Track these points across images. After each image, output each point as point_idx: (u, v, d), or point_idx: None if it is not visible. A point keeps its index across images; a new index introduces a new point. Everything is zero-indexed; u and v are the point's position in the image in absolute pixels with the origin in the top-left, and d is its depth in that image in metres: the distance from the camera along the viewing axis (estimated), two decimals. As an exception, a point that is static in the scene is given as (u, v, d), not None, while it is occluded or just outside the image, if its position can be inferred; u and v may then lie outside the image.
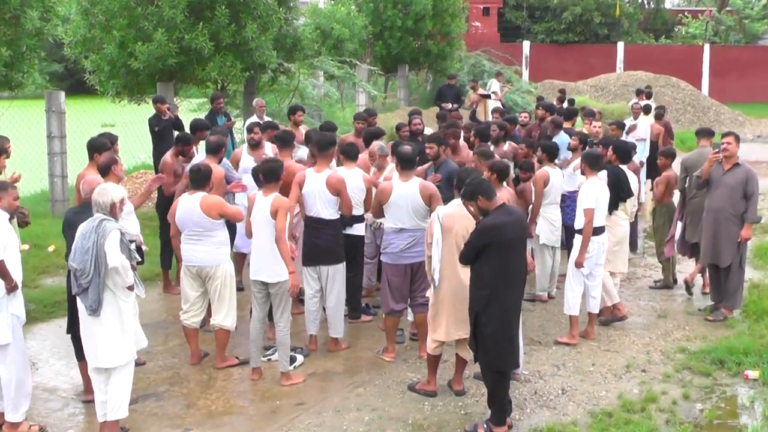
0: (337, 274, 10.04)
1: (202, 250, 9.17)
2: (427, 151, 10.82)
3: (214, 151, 10.70)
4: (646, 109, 20.04)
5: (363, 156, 11.33)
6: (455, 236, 8.32)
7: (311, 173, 10.03)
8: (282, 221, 8.79)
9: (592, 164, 10.44)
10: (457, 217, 8.35)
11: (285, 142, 11.07)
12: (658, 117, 20.36)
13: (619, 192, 11.10)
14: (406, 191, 9.39)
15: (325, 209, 9.90)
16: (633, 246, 14.54)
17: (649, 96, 24.62)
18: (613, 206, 10.92)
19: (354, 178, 10.25)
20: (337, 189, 9.86)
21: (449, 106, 23.34)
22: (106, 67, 16.62)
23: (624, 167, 11.48)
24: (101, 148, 9.92)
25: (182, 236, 9.33)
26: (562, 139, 14.02)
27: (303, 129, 13.86)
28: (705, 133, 12.78)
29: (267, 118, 15.61)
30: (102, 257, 7.32)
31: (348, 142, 11.43)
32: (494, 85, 26.95)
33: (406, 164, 9.49)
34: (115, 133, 11.18)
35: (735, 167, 11.18)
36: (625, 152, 11.69)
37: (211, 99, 16.34)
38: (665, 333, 10.88)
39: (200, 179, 9.22)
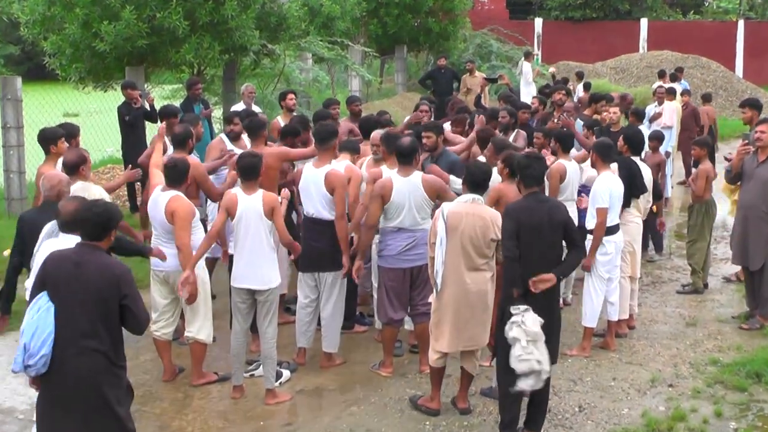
0: (336, 281, 10.01)
1: (171, 253, 9.14)
2: (424, 140, 10.81)
3: (180, 143, 10.43)
4: (671, 93, 20.07)
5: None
6: (461, 236, 8.33)
7: (309, 168, 10.00)
8: (281, 220, 8.87)
9: (604, 156, 10.42)
10: (464, 215, 8.36)
11: (253, 130, 10.94)
12: (707, 100, 20.57)
13: (632, 187, 11.10)
14: (407, 187, 9.38)
15: (325, 208, 9.85)
16: (658, 247, 14.59)
17: (674, 78, 24.62)
18: (624, 203, 10.92)
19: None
20: (332, 186, 9.76)
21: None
22: (68, 50, 16.61)
23: (636, 159, 11.47)
24: (56, 138, 9.92)
25: (152, 237, 9.35)
26: (578, 127, 14.04)
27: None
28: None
29: (255, 107, 15.61)
30: None
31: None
32: (525, 66, 26.82)
33: (404, 159, 9.48)
34: (80, 124, 11.18)
35: None
36: (638, 142, 11.69)
37: (188, 85, 16.31)
38: (695, 343, 10.91)
39: (176, 176, 9.18)
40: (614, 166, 10.85)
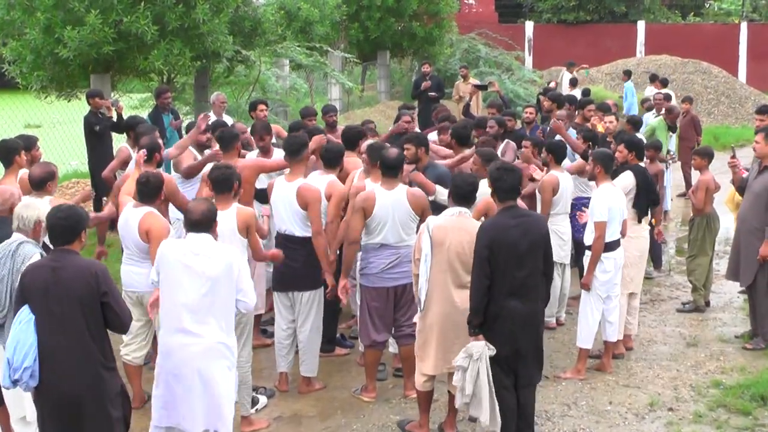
0: (314, 301, 10.01)
1: (144, 273, 9.06)
2: (405, 152, 10.84)
3: (147, 157, 10.29)
4: (668, 100, 20.22)
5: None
6: (447, 252, 8.37)
7: (281, 182, 10.00)
8: (256, 237, 8.94)
9: (606, 166, 10.50)
10: (450, 230, 8.40)
11: (226, 142, 10.84)
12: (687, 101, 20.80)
13: (650, 195, 11.21)
14: (391, 201, 9.41)
15: (297, 225, 9.86)
16: (657, 262, 14.66)
17: (665, 83, 24.93)
18: (644, 212, 11.06)
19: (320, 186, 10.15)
20: (306, 201, 9.73)
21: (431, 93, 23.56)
22: (28, 56, 16.57)
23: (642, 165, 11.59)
24: (18, 150, 9.95)
25: (123, 255, 9.36)
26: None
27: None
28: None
29: (227, 117, 15.62)
30: None
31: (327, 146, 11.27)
32: (565, 77, 26.88)
33: (389, 171, 9.51)
34: (42, 136, 11.18)
35: (765, 170, 11.30)
36: (641, 148, 11.77)
37: (156, 93, 16.31)
38: (696, 364, 10.97)
39: (148, 192, 9.12)
40: (625, 176, 10.98)
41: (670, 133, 17.80)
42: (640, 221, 11.18)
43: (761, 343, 11.39)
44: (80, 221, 7.08)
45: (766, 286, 11.33)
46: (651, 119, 19.42)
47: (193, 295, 7.36)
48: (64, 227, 6.97)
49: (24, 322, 6.76)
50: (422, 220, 9.17)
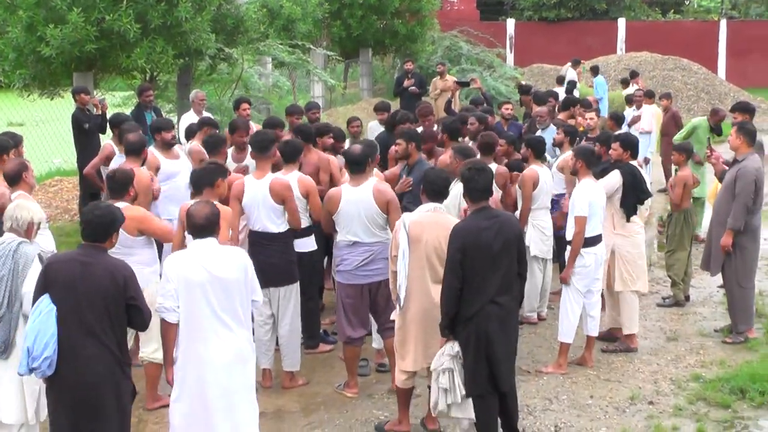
0: (291, 296, 10.03)
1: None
2: (395, 148, 10.86)
3: (135, 151, 10.47)
4: (650, 96, 20.27)
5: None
6: (425, 248, 8.37)
7: (251, 181, 9.98)
8: (225, 234, 8.81)
9: (588, 162, 10.51)
10: (427, 226, 8.40)
11: (213, 146, 10.99)
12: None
13: (639, 193, 11.26)
14: (357, 197, 9.41)
15: (272, 221, 9.86)
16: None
17: (633, 76, 25.32)
18: (632, 211, 11.09)
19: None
20: (282, 196, 9.79)
21: (412, 87, 23.57)
22: (11, 55, 16.50)
23: (634, 163, 11.62)
24: (4, 149, 9.91)
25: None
26: (552, 133, 14.15)
27: (254, 126, 13.79)
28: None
29: (207, 114, 15.60)
30: (19, 287, 7.34)
31: (285, 140, 11.28)
32: (570, 73, 26.87)
33: (354, 167, 9.53)
34: (25, 134, 11.15)
35: (735, 163, 11.42)
36: (635, 146, 11.81)
37: (139, 91, 16.30)
38: (676, 358, 11.00)
39: (117, 187, 9.06)
40: (613, 175, 11.01)
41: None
42: (628, 220, 11.20)
43: (740, 338, 11.43)
44: (115, 221, 7.23)
45: (735, 277, 11.43)
46: (632, 114, 19.52)
47: (216, 303, 7.28)
48: (99, 224, 7.09)
49: (45, 313, 6.83)
50: (388, 214, 9.25)
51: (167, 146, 11.67)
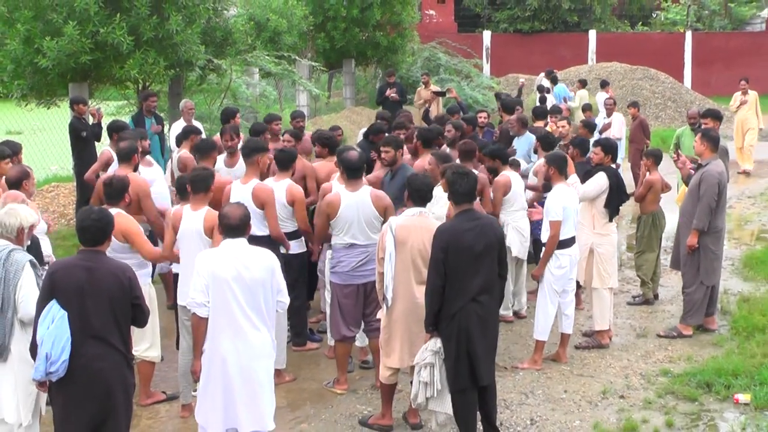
0: None
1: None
2: (383, 155, 10.88)
3: (126, 158, 10.41)
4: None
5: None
6: (410, 250, 8.42)
7: (237, 185, 10.02)
8: (220, 239, 8.79)
9: (560, 168, 10.56)
10: (412, 229, 8.44)
11: (203, 151, 10.93)
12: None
13: (622, 195, 11.45)
14: (355, 202, 9.45)
15: (255, 226, 9.80)
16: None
17: (584, 84, 25.70)
18: (615, 212, 11.34)
19: (277, 191, 10.19)
20: (262, 201, 9.81)
21: (393, 94, 23.59)
22: (9, 66, 16.47)
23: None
24: (4, 158, 9.89)
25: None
26: (528, 140, 14.18)
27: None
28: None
29: (196, 123, 15.58)
30: (11, 294, 7.32)
31: (280, 148, 11.29)
32: (544, 82, 26.89)
33: (352, 172, 9.56)
34: (24, 142, 11.12)
35: (699, 168, 11.53)
36: (615, 150, 11.85)
37: (143, 96, 16.36)
38: (645, 354, 11.04)
39: (113, 193, 9.03)
40: (600, 176, 11.08)
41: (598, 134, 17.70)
42: (611, 220, 11.29)
43: (674, 332, 11.56)
44: (110, 223, 7.26)
45: (693, 274, 11.52)
46: (603, 121, 19.60)
47: (243, 300, 7.37)
48: (98, 229, 7.10)
49: (58, 318, 6.83)
50: (385, 219, 9.23)
51: (143, 154, 11.60)
